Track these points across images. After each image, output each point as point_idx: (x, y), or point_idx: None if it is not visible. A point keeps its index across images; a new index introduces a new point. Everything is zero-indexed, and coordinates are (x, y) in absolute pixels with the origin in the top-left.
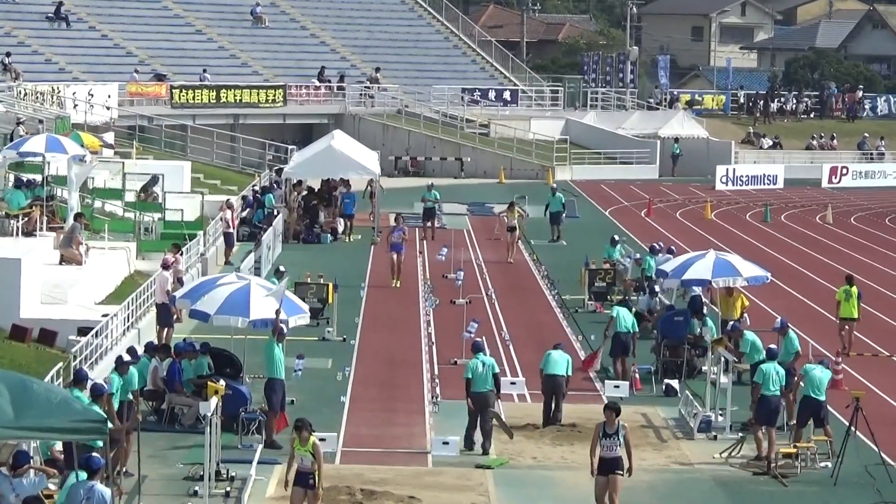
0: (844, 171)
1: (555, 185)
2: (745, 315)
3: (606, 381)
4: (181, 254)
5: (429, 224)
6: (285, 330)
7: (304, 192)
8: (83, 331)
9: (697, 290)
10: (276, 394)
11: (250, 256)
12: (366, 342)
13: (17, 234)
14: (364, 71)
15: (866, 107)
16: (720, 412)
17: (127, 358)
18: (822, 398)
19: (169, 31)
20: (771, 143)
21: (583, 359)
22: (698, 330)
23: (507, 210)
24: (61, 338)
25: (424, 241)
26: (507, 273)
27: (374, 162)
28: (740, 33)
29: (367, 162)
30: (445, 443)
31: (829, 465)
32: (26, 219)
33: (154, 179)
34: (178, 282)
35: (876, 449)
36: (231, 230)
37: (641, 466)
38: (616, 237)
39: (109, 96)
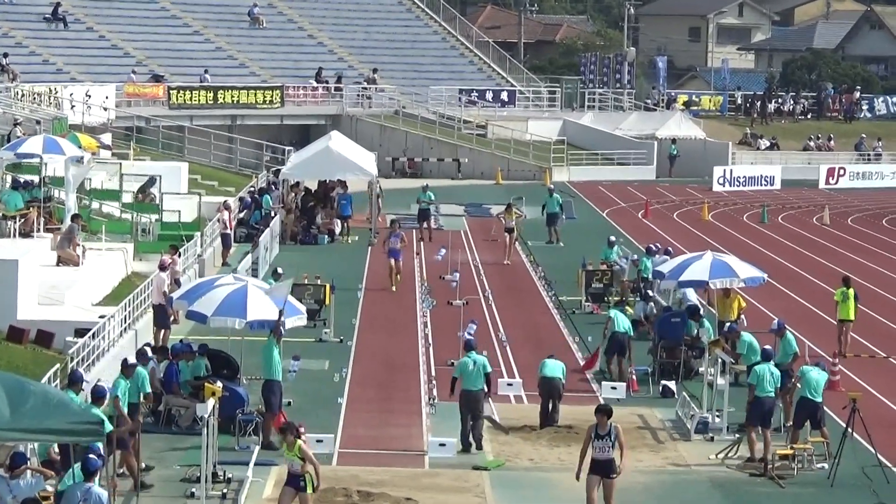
0: (842, 172)
1: (552, 186)
2: (742, 316)
3: (603, 383)
4: (178, 255)
5: (425, 225)
6: (282, 331)
7: (302, 193)
8: (80, 332)
9: (693, 299)
10: (274, 395)
11: (248, 257)
12: (363, 343)
13: (15, 236)
14: (361, 72)
15: (863, 108)
16: (717, 413)
17: (132, 360)
18: (819, 399)
19: (166, 31)
20: (768, 144)
21: (582, 363)
22: (695, 331)
23: (505, 211)
24: (58, 339)
25: (421, 243)
26: (504, 274)
27: (371, 163)
28: (737, 34)
29: (365, 163)
30: (442, 444)
31: (826, 466)
32: (23, 220)
33: (151, 180)
34: (176, 283)
35: (872, 450)
36: (228, 231)
37: (638, 468)
38: (613, 238)
39: (107, 97)
